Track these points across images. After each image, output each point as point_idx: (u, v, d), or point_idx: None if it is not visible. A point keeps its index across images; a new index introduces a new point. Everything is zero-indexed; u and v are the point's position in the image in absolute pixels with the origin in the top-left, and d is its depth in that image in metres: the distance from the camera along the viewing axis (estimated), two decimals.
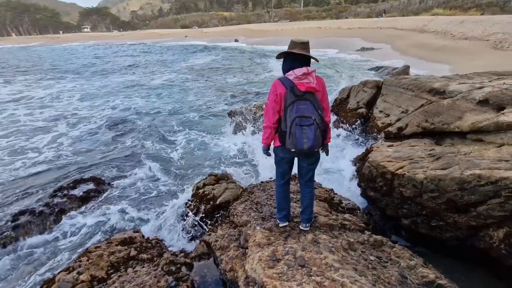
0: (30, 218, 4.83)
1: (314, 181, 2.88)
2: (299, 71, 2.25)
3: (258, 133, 8.27)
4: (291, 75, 2.28)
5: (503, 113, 3.80)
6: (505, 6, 37.92)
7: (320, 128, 2.26)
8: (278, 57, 2.48)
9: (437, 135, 4.58)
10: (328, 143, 2.62)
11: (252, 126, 8.49)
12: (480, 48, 16.17)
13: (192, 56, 33.07)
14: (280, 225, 2.89)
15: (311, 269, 2.16)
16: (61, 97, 14.65)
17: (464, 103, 4.36)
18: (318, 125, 2.24)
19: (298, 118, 2.22)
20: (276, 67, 20.95)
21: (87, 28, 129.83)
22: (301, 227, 2.85)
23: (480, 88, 4.52)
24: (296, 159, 2.70)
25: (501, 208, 2.83)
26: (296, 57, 2.32)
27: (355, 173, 5.23)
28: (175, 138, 8.58)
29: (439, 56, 17.04)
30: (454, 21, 25.33)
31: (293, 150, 2.33)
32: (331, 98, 7.79)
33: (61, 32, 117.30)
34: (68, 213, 5.02)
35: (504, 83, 4.59)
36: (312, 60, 2.41)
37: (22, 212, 4.94)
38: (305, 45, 2.32)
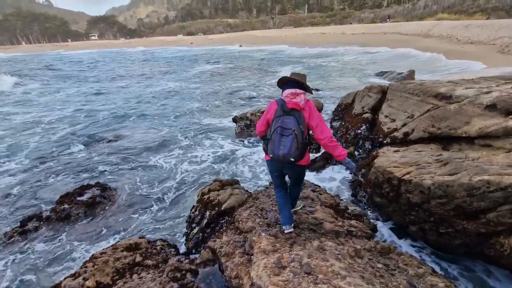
0: (37, 223, 4.89)
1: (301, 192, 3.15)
2: (288, 91, 2.59)
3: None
4: (283, 94, 2.65)
5: None
6: (511, 10, 37.69)
7: (298, 140, 2.45)
8: (279, 83, 2.78)
9: (444, 140, 4.52)
10: (343, 160, 2.68)
11: None
12: (486, 53, 16.03)
13: (198, 62, 33.44)
14: (285, 231, 2.89)
15: (317, 276, 2.13)
16: (63, 103, 14.90)
17: (471, 107, 4.31)
18: (297, 136, 2.46)
19: (280, 128, 2.52)
20: (282, 72, 21.06)
21: (95, 36, 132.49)
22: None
23: (488, 92, 4.47)
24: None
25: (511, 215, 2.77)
26: (292, 84, 2.64)
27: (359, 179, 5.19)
28: (179, 144, 8.62)
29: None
30: (459, 25, 25.27)
31: (271, 155, 2.56)
32: None
33: (69, 40, 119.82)
34: (74, 219, 5.06)
35: None
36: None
37: (29, 218, 5.00)
38: (301, 76, 2.67)
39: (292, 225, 2.92)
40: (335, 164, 6.18)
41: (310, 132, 2.67)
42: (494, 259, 3.02)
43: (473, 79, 5.97)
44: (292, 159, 2.48)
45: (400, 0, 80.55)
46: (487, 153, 3.59)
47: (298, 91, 2.57)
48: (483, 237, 3.02)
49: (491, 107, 4.10)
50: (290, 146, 2.45)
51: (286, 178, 3.06)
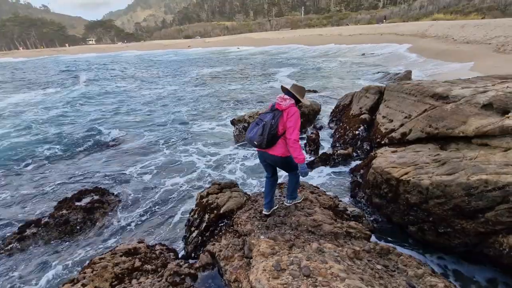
0: (36, 230, 4.85)
1: (293, 178, 3.47)
2: (279, 96, 3.18)
3: None
4: (276, 97, 3.24)
5: (508, 117, 3.76)
6: (506, 9, 37.98)
7: (264, 129, 3.02)
8: (282, 89, 3.37)
9: (442, 140, 4.54)
10: (298, 163, 3.06)
11: None
12: (482, 52, 16.12)
13: (195, 65, 33.47)
14: (263, 212, 3.49)
15: (316, 279, 2.12)
16: (63, 105, 14.85)
17: (468, 107, 4.33)
18: (264, 126, 3.03)
19: (258, 119, 3.15)
20: (280, 73, 21.12)
21: (92, 40, 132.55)
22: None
23: (484, 92, 4.49)
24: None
25: (510, 214, 2.78)
26: (287, 92, 3.26)
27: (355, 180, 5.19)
28: (177, 147, 8.61)
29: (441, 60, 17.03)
30: (455, 25, 25.45)
31: (245, 138, 3.19)
32: None
33: (67, 45, 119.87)
34: (73, 224, 5.03)
35: (507, 86, 4.55)
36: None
37: (27, 224, 4.96)
38: (296, 87, 3.22)
39: (270, 210, 3.49)
40: (333, 166, 6.19)
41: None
42: (493, 258, 3.02)
43: (469, 78, 6.00)
44: (256, 143, 3.07)
45: (396, 1, 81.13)
46: (485, 152, 3.60)
47: (286, 96, 3.15)
48: (482, 236, 3.03)
49: (488, 107, 4.12)
50: (256, 132, 3.06)
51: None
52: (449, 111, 4.52)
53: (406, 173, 3.72)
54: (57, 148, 9.00)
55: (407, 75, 13.82)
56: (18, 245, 4.60)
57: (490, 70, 10.54)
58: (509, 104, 3.95)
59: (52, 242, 4.70)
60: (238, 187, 4.56)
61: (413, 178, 3.55)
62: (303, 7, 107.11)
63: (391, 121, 5.77)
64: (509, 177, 2.85)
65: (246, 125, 8.58)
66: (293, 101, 3.11)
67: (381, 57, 24.30)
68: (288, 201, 3.61)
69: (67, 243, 4.68)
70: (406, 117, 5.41)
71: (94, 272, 3.11)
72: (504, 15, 35.03)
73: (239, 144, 8.39)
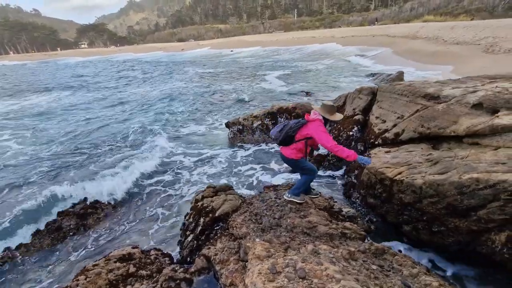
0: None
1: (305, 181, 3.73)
2: (313, 110, 3.57)
3: (255, 144, 8.28)
4: None
5: (497, 116, 3.83)
6: (494, 10, 38.80)
7: (284, 129, 3.50)
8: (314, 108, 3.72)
9: (434, 139, 4.59)
10: (354, 160, 3.24)
11: (250, 136, 8.50)
12: (472, 53, 16.42)
13: (189, 67, 33.33)
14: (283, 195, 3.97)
15: (312, 281, 2.12)
16: (63, 110, 14.68)
17: (458, 107, 4.40)
18: (285, 127, 3.53)
19: (287, 121, 3.66)
20: (271, 75, 21.18)
21: (85, 44, 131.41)
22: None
23: (474, 92, 4.56)
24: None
25: (501, 212, 2.82)
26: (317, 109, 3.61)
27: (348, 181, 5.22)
28: (171, 149, 8.56)
29: (433, 62, 17.30)
30: (445, 27, 25.90)
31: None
32: None
33: (59, 49, 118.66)
34: (66, 230, 4.95)
35: (496, 86, 4.64)
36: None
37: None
38: (323, 106, 3.52)
39: (289, 195, 3.79)
40: (328, 167, 6.22)
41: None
42: (486, 256, 3.06)
43: (459, 78, 6.10)
44: (273, 137, 3.59)
45: (387, 3, 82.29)
46: (475, 151, 3.65)
47: (317, 112, 3.52)
48: (475, 234, 3.07)
49: (478, 106, 4.18)
50: (276, 129, 3.58)
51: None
52: (440, 111, 4.58)
53: (400, 173, 3.75)
54: (45, 152, 8.87)
55: (399, 76, 13.98)
56: (9, 253, 4.51)
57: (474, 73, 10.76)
58: (498, 104, 4.01)
59: (44, 249, 4.61)
60: (233, 190, 4.54)
61: (407, 178, 3.58)
62: (296, 10, 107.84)
63: (384, 121, 5.82)
64: (499, 175, 2.89)
65: (240, 127, 8.58)
66: (320, 117, 3.45)
67: (373, 58, 24.54)
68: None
69: (60, 250, 4.60)
70: (398, 118, 5.47)
71: (88, 279, 3.06)
72: (492, 16, 35.82)
73: (233, 146, 8.38)
